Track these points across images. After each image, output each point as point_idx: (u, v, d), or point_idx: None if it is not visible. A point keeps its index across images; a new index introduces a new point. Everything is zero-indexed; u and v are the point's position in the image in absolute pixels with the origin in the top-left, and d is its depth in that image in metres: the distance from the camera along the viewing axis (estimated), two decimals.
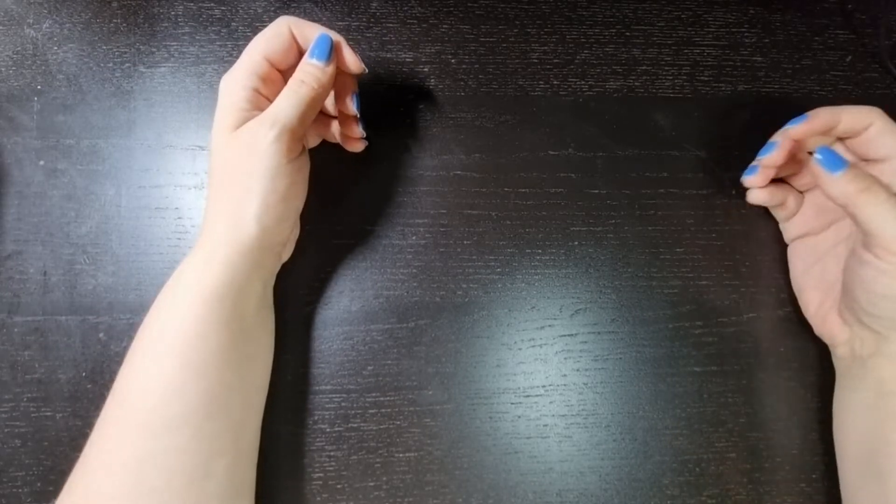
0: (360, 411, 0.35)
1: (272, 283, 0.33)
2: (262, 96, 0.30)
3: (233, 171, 0.29)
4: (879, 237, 0.27)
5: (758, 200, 0.35)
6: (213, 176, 0.30)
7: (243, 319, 0.29)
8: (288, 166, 0.29)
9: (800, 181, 0.35)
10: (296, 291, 0.36)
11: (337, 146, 0.37)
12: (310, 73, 0.29)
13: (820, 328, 0.33)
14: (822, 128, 0.31)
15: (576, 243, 0.37)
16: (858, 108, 0.31)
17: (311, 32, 0.30)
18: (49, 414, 0.34)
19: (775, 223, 0.38)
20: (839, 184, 0.28)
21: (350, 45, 0.31)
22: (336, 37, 0.30)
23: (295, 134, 0.29)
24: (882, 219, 0.27)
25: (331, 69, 0.30)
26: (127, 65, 0.38)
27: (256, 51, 0.30)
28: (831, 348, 0.33)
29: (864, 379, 0.30)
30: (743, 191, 0.36)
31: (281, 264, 0.34)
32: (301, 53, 0.31)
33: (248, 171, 0.28)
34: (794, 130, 0.31)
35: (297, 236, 0.35)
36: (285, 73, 0.31)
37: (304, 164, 0.31)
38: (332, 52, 0.30)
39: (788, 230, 0.36)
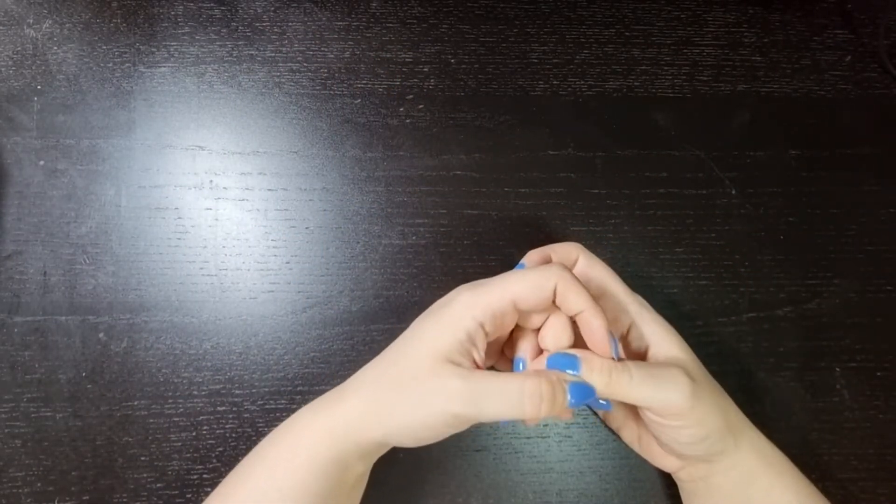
0: None
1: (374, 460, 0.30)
2: (484, 332, 0.27)
3: (405, 383, 0.27)
4: (656, 409, 0.27)
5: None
6: (388, 363, 0.28)
7: (338, 494, 0.28)
8: (446, 429, 0.26)
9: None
10: (296, 292, 0.36)
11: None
12: (550, 402, 0.25)
13: (653, 461, 0.32)
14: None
15: None
16: (563, 244, 0.31)
17: (575, 300, 0.27)
18: (49, 414, 0.34)
19: (775, 223, 0.38)
20: (598, 386, 0.27)
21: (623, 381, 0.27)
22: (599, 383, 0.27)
23: (474, 421, 0.26)
24: (646, 395, 0.27)
25: (568, 417, 0.27)
26: (127, 65, 0.38)
27: (510, 291, 0.27)
28: (672, 474, 0.32)
29: (712, 496, 0.30)
30: (742, 190, 0.36)
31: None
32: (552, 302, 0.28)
33: (413, 402, 0.26)
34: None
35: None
36: (524, 317, 0.29)
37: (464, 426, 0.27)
38: (586, 401, 0.27)
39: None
